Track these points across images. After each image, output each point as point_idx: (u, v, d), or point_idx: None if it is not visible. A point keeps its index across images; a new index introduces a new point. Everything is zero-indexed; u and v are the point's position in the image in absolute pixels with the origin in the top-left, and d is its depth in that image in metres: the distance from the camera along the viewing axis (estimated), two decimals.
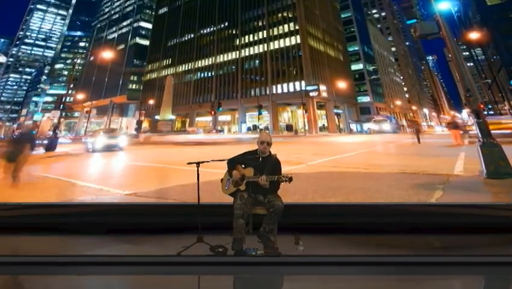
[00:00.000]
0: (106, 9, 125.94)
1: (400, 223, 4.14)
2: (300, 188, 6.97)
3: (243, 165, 4.31)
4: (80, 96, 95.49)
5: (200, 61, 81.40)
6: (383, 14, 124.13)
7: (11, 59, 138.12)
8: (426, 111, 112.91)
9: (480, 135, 8.78)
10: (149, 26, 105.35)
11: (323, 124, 66.49)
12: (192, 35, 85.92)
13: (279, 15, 70.17)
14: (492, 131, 8.91)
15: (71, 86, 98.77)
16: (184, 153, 19.02)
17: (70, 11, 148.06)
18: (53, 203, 6.01)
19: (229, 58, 75.78)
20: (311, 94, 60.84)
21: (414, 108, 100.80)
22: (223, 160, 4.45)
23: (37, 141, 18.47)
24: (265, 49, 69.96)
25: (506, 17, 67.61)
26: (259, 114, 56.72)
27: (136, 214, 4.63)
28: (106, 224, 4.32)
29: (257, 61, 70.89)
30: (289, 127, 63.35)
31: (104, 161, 15.53)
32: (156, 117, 64.58)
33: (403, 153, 15.35)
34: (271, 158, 4.29)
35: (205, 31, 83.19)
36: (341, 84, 66.20)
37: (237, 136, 40.36)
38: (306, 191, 6.89)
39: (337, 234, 4.05)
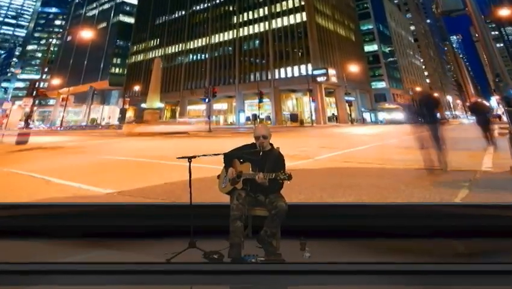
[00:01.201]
0: None
1: (420, 226, 4.12)
2: (306, 187, 6.94)
3: (241, 160, 4.28)
4: (56, 82, 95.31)
5: (192, 42, 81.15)
6: None
7: None
8: (449, 98, 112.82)
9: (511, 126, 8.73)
10: (135, 1, 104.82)
11: (333, 114, 66.56)
12: (183, 12, 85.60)
13: None
14: None
15: (46, 70, 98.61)
16: (174, 146, 18.99)
17: None
18: (24, 204, 5.98)
19: (226, 38, 75.56)
20: (319, 79, 60.72)
21: (436, 95, 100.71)
22: (218, 154, 4.41)
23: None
24: (267, 28, 69.73)
25: None
26: (260, 101, 56.69)
27: (118, 215, 4.60)
28: (84, 227, 4.30)
29: (257, 42, 70.66)
30: (294, 117, 63.39)
31: (83, 155, 15.50)
32: (143, 105, 64.29)
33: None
34: (273, 153, 4.25)
35: (198, 7, 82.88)
36: (353, 68, 66.09)
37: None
38: (313, 189, 6.86)
39: (349, 238, 4.02)
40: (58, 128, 70.12)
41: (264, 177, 3.98)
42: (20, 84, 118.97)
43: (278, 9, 69.46)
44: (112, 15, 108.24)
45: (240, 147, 4.40)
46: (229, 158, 4.33)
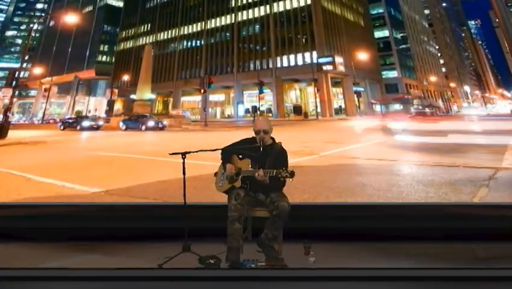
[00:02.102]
0: None
1: (435, 228, 4.11)
2: (311, 185, 6.95)
3: (240, 156, 4.26)
4: (37, 71, 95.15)
5: (186, 27, 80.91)
6: None
7: None
8: (467, 88, 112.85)
9: None
10: None
11: (340, 106, 66.46)
12: None
13: None
14: None
15: (27, 58, 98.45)
16: (166, 141, 19.00)
17: None
18: (2, 204, 5.98)
19: (223, 23, 75.30)
20: (325, 67, 60.58)
21: (452, 85, 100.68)
22: (215, 150, 4.39)
23: None
24: (268, 12, 69.47)
25: None
26: (260, 92, 56.61)
27: (106, 216, 4.60)
28: (68, 230, 4.29)
29: (257, 27, 70.44)
30: (297, 109, 63.31)
31: (67, 150, 15.50)
32: (132, 96, 64.35)
33: (437, 141, 15.32)
34: (275, 148, 4.24)
35: None
36: (362, 56, 65.88)
37: None
38: (319, 188, 6.87)
39: (357, 242, 4.02)
40: (39, 121, 70.14)
41: (265, 175, 3.94)
42: None
43: None
44: None
45: (239, 142, 4.37)
46: (227, 153, 4.30)
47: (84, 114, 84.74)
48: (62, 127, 36.73)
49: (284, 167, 3.98)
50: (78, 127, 34.66)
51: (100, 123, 37.47)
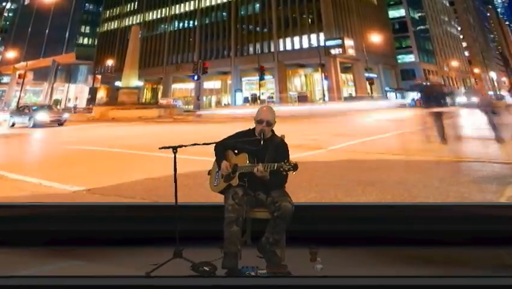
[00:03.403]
0: None
1: (458, 231, 4.11)
2: (318, 183, 6.94)
3: (235, 151, 4.24)
4: (10, 55, 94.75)
5: (178, 6, 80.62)
6: None
7: None
8: (493, 75, 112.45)
9: None
10: None
11: (350, 94, 66.29)
12: None
13: None
14: None
15: None
16: (156, 133, 18.98)
17: None
18: None
19: (219, 1, 75.03)
20: (333, 51, 60.43)
21: (476, 70, 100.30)
22: (209, 143, 4.37)
23: None
24: None
25: None
26: (261, 79, 56.56)
27: (88, 218, 4.60)
28: (46, 233, 4.29)
29: (257, 5, 70.21)
30: (302, 98, 63.16)
31: (44, 144, 15.49)
32: (117, 83, 64.27)
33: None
34: (275, 141, 4.22)
35: None
36: (375, 38, 65.73)
37: None
38: (326, 186, 6.86)
39: (370, 246, 4.02)
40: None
41: (265, 169, 3.92)
42: None
43: None
44: None
45: (234, 135, 4.36)
46: (221, 148, 4.28)
47: (63, 102, 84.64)
48: (11, 123, 28.70)
49: (285, 160, 3.94)
50: (30, 124, 26.59)
51: (65, 116, 29.49)
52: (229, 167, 4.12)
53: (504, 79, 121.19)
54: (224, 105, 70.60)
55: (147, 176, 8.09)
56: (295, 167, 3.84)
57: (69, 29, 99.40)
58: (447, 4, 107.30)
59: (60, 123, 27.53)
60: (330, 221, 4.35)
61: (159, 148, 4.29)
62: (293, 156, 4.18)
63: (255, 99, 59.51)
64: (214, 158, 4.34)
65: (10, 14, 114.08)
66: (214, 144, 4.32)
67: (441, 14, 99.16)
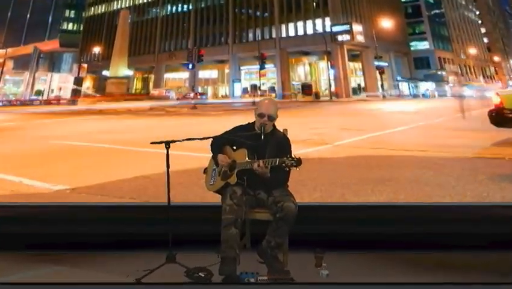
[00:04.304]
0: None
1: (476, 234, 4.10)
2: (323, 181, 6.94)
3: (234, 147, 4.23)
4: None
5: None
6: None
7: None
8: None
9: None
10: None
11: (358, 84, 66.33)
12: None
13: None
14: None
15: None
16: (147, 127, 18.99)
17: None
18: None
19: None
20: (340, 38, 60.40)
21: (496, 58, 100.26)
22: (205, 138, 4.35)
23: None
24: None
25: None
26: (261, 68, 56.49)
27: (73, 219, 4.59)
28: (26, 236, 4.29)
29: None
30: (306, 89, 63.10)
31: (25, 139, 15.49)
32: (105, 72, 64.35)
33: (478, 129, 15.27)
34: (277, 135, 4.22)
35: None
36: (386, 23, 65.66)
37: None
38: (333, 185, 6.85)
39: (380, 250, 4.02)
40: None
41: (265, 166, 3.90)
42: None
43: None
44: None
45: (232, 130, 4.34)
46: (218, 143, 4.27)
47: (45, 93, 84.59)
48: None
49: (287, 155, 3.92)
50: None
51: None
52: (226, 163, 4.11)
53: None
54: (222, 96, 70.64)
55: (137, 173, 8.09)
56: (298, 161, 3.81)
57: (52, 13, 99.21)
58: None
59: None
60: (337, 222, 4.35)
61: (151, 143, 4.27)
62: (296, 152, 4.14)
63: (255, 89, 59.46)
64: (210, 154, 4.33)
65: None
66: (211, 139, 4.30)
67: None
